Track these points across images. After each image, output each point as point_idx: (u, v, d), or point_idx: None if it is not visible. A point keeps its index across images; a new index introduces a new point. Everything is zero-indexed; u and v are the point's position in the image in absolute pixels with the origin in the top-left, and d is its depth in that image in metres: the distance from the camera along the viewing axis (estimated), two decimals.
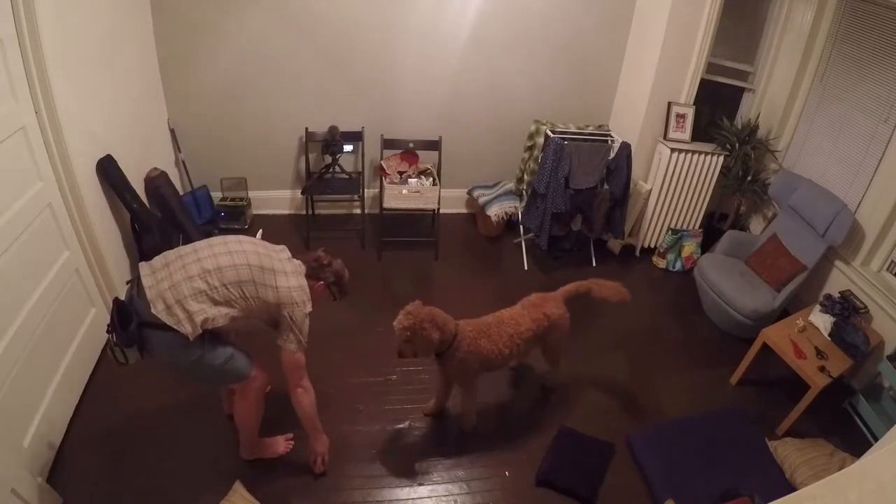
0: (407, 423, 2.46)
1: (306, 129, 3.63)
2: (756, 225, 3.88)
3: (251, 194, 3.87)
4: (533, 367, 2.82)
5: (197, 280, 1.73)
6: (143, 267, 1.78)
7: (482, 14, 3.49)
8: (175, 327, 1.67)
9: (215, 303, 1.75)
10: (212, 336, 1.81)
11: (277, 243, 1.99)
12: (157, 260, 1.81)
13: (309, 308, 1.91)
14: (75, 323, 2.40)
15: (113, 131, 2.70)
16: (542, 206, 3.42)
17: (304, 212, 3.79)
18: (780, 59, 3.55)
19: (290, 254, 2.00)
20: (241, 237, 1.92)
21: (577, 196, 3.43)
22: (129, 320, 1.68)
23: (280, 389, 2.47)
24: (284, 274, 1.87)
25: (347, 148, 3.63)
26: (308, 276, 1.98)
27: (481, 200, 3.88)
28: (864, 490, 1.03)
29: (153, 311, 1.66)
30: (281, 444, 2.27)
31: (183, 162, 3.56)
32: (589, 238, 3.75)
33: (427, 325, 2.04)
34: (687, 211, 3.79)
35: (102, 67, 2.59)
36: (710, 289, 3.25)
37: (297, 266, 1.97)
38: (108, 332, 1.74)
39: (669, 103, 3.55)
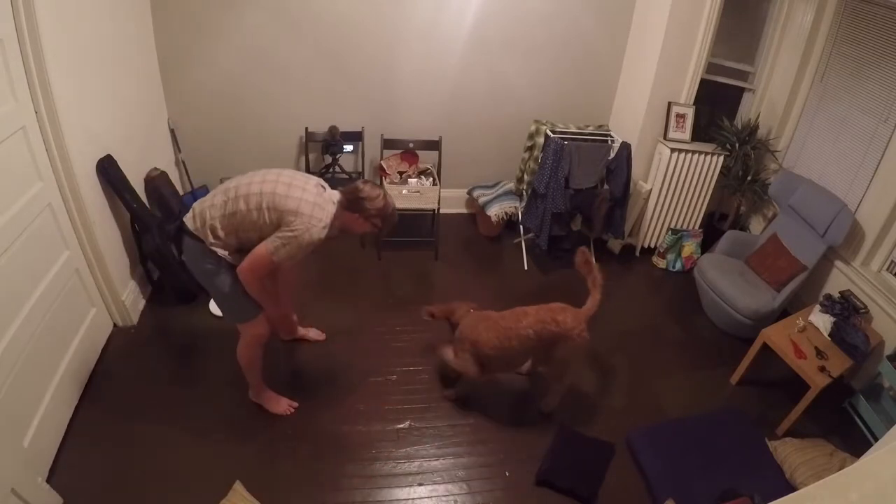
0: (407, 423, 2.46)
1: (306, 128, 3.63)
2: (756, 225, 3.88)
3: None
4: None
5: (219, 195, 1.94)
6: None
7: (482, 14, 3.49)
8: (186, 222, 1.94)
9: (224, 209, 1.90)
10: (229, 266, 1.97)
11: None
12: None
13: (317, 231, 1.87)
14: (75, 323, 2.40)
15: (113, 131, 2.69)
16: (542, 206, 3.42)
17: None
18: (780, 59, 3.55)
19: (325, 186, 2.05)
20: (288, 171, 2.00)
21: (577, 196, 3.43)
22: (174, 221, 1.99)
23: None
24: (303, 189, 1.91)
25: (347, 148, 3.63)
26: (344, 208, 1.98)
27: (481, 200, 3.88)
28: (864, 490, 1.03)
29: (185, 216, 1.97)
30: (283, 404, 2.41)
31: (183, 162, 3.55)
32: (589, 238, 3.75)
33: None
34: (687, 211, 3.79)
35: (102, 67, 2.59)
36: (710, 289, 3.24)
37: (332, 195, 2.01)
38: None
39: (669, 103, 3.55)
